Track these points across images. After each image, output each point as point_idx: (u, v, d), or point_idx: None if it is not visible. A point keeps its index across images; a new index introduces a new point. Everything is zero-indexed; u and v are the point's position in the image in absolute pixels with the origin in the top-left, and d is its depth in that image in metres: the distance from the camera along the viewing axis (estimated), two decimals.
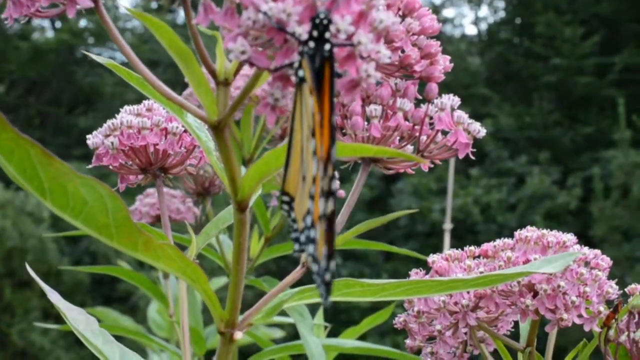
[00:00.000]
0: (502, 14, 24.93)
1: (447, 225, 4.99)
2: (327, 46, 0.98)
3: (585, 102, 20.69)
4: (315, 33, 0.98)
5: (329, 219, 0.98)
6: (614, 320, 1.54)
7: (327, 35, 0.98)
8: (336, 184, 1.01)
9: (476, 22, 25.36)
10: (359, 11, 1.00)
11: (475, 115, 1.35)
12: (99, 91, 22.12)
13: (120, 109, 1.53)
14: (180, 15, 23.30)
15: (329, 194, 0.98)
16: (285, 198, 1.04)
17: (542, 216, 17.04)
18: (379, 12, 1.00)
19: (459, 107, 1.35)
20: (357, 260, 16.80)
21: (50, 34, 23.96)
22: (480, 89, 20.23)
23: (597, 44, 20.28)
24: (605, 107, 19.81)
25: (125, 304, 15.46)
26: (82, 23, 23.21)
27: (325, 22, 0.98)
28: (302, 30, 0.98)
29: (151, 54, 19.18)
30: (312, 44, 0.98)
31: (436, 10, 24.09)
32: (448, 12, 26.57)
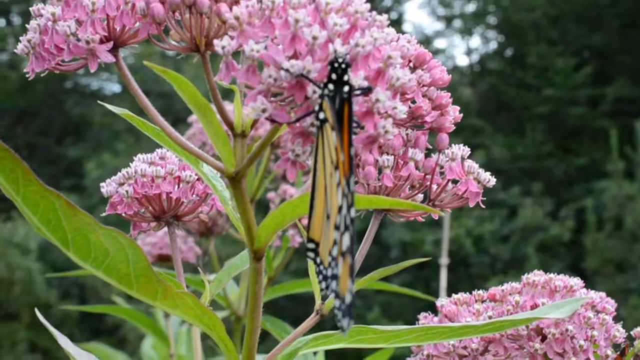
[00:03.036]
0: (493, 45, 25.08)
1: (444, 260, 5.01)
2: (346, 88, 1.02)
3: (578, 133, 20.76)
4: (334, 76, 1.01)
5: (351, 254, 1.01)
6: None
7: (345, 78, 1.01)
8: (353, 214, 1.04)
9: (468, 52, 25.49)
10: (376, 69, 1.03)
11: (468, 146, 1.37)
12: (88, 121, 22.09)
13: (110, 139, 1.54)
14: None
15: (347, 228, 1.01)
16: (311, 245, 1.07)
17: (534, 248, 17.04)
18: (396, 70, 1.03)
19: (452, 137, 1.38)
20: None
21: None
22: (473, 120, 20.29)
23: (590, 75, 20.37)
24: (597, 138, 19.88)
25: (114, 336, 15.40)
26: None
27: (343, 66, 1.01)
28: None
29: (142, 84, 19.09)
30: (331, 86, 1.02)
31: (428, 40, 24.21)
32: (439, 43, 26.71)
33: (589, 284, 1.65)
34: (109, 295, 4.05)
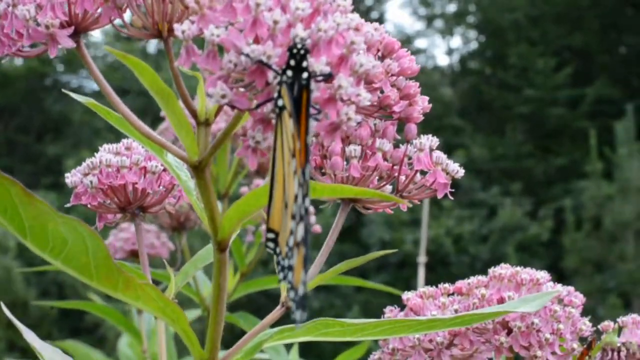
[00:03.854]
0: (474, 45, 25.14)
1: (422, 259, 4.98)
2: (305, 74, 1.00)
3: (558, 133, 20.84)
4: (292, 62, 1.00)
5: (305, 244, 0.99)
6: (587, 358, 1.55)
7: (304, 64, 0.99)
8: (311, 218, 1.02)
9: (449, 52, 25.54)
10: (339, 55, 1.01)
11: (448, 146, 1.36)
12: (67, 118, 22.00)
13: (90, 137, 1.52)
14: (152, 44, 23.33)
15: (302, 218, 0.99)
16: (271, 235, 1.06)
17: (514, 248, 17.09)
18: (360, 56, 1.01)
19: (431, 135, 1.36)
20: (328, 292, 16.75)
21: (19, 61, 23.88)
22: (453, 120, 20.33)
23: (570, 75, 20.45)
24: (577, 138, 19.95)
25: (93, 335, 15.33)
26: None
27: (302, 52, 0.99)
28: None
29: (122, 82, 19.11)
30: (289, 73, 1.00)
31: (408, 40, 24.24)
32: (420, 43, 26.73)
33: (568, 284, 1.63)
34: (87, 293, 4.02)
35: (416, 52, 23.75)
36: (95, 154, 1.47)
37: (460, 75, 23.84)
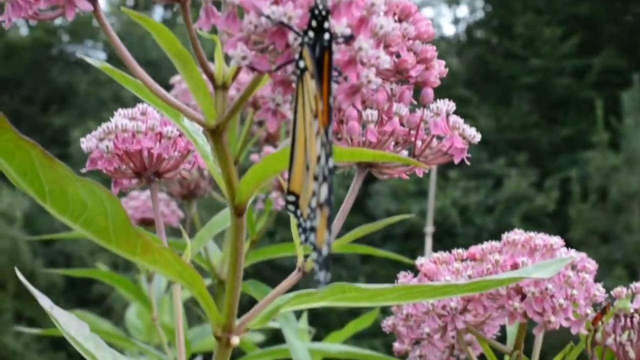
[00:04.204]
0: (480, 14, 25.01)
1: (429, 229, 4.99)
2: (327, 36, 1.00)
3: (564, 103, 20.78)
4: (314, 23, 0.99)
5: (329, 205, 0.99)
6: (600, 323, 1.55)
7: (325, 25, 0.99)
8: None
9: (455, 22, 25.43)
10: (359, 17, 1.01)
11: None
12: (73, 89, 21.98)
13: (96, 107, 1.52)
14: (157, 12, 23.27)
15: (325, 179, 1.00)
16: (291, 198, 1.05)
17: (519, 219, 17.09)
18: (379, 18, 1.01)
19: None
20: (335, 263, 16.77)
21: (24, 31, 23.83)
22: (460, 90, 20.28)
23: (576, 45, 20.36)
24: (583, 109, 19.90)
25: (100, 306, 15.38)
26: (57, 21, 23.06)
27: (323, 12, 0.99)
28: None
29: (129, 52, 18.91)
30: (311, 34, 1.00)
31: (416, 7, 24.05)
32: (426, 12, 26.58)
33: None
34: (94, 263, 4.04)
35: None
36: (111, 118, 1.47)
37: (466, 45, 23.75)
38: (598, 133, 16.78)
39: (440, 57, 1.34)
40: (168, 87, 3.03)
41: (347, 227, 1.37)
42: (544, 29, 20.63)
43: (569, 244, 1.64)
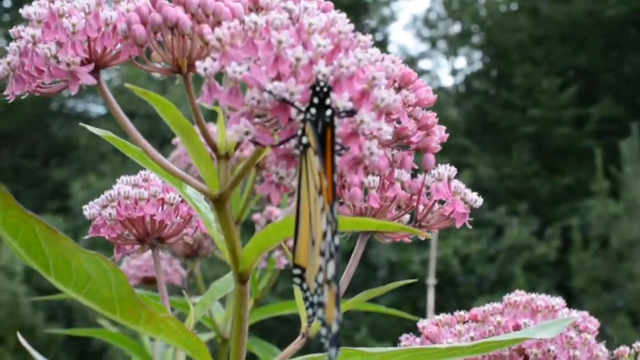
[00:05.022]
0: (478, 65, 25.15)
1: (431, 281, 4.99)
2: (328, 112, 1.01)
3: (564, 152, 20.83)
4: (316, 100, 1.00)
5: (336, 282, 1.00)
6: None
7: (327, 101, 1.00)
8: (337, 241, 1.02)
9: (453, 73, 25.55)
10: (360, 90, 1.02)
11: (455, 166, 1.36)
12: (73, 143, 22.03)
13: (96, 161, 1.53)
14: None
15: (332, 256, 1.00)
16: (297, 271, 1.06)
17: (521, 267, 17.03)
18: (381, 91, 1.02)
19: (439, 157, 1.37)
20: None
21: None
22: (459, 140, 20.33)
23: (575, 95, 20.45)
24: (583, 157, 19.92)
25: (100, 359, 15.31)
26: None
27: (325, 89, 1.00)
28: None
29: (128, 105, 19.10)
30: (313, 110, 1.00)
31: (413, 61, 24.23)
32: (424, 64, 26.72)
33: (576, 303, 1.64)
34: (96, 317, 4.02)
35: (420, 73, 23.64)
36: (114, 186, 1.48)
37: (465, 95, 23.85)
38: (598, 181, 16.79)
39: (439, 107, 1.35)
40: (168, 141, 3.05)
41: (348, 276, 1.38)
42: (542, 80, 20.73)
43: (570, 293, 1.65)
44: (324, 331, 1.00)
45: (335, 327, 0.99)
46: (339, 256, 1.00)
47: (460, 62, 27.56)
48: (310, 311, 1.04)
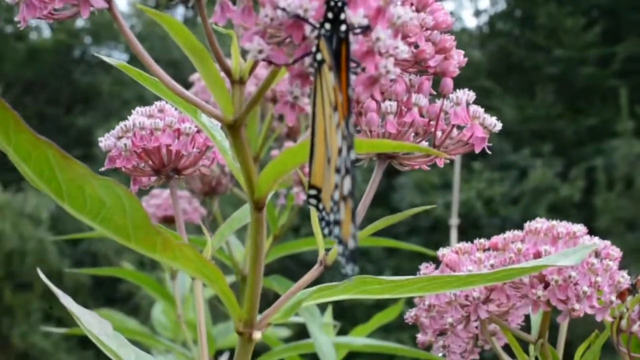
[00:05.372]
0: (502, 6, 24.89)
1: (454, 221, 4.98)
2: (343, 27, 0.99)
3: (588, 93, 20.67)
4: (330, 15, 0.98)
5: (352, 197, 0.99)
6: (626, 310, 1.54)
7: (342, 16, 0.98)
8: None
9: (476, 14, 25.32)
10: (376, 7, 1.00)
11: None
12: (96, 90, 22.06)
13: (120, 107, 1.52)
14: (178, 12, 23.29)
15: (348, 171, 0.99)
16: (313, 192, 1.05)
17: (545, 209, 17.00)
18: (397, 8, 1.00)
19: None
20: (360, 257, 16.66)
21: (47, 34, 23.91)
22: (482, 82, 20.19)
23: (599, 34, 20.25)
24: (607, 98, 19.78)
25: (127, 304, 15.43)
26: (79, 23, 23.17)
27: (339, 4, 0.98)
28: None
29: (150, 52, 18.88)
30: (328, 25, 0.99)
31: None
32: (447, 5, 26.28)
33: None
34: (120, 262, 4.05)
35: None
36: (129, 117, 1.47)
37: (488, 36, 23.64)
38: (622, 122, 16.69)
39: (462, 49, 1.33)
40: (189, 86, 3.04)
41: (371, 220, 1.36)
42: (566, 20, 20.52)
43: (595, 233, 1.63)
44: (340, 249, 0.99)
45: (352, 243, 0.98)
46: (355, 171, 0.99)
47: (484, 2, 27.30)
48: (326, 231, 1.02)
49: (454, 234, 4.94)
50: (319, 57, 0.99)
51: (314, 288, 1.30)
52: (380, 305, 2.88)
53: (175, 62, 16.41)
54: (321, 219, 1.04)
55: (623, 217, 16.02)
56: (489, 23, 24.70)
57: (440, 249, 1.62)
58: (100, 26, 22.20)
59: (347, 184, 0.98)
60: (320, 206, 1.04)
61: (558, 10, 20.87)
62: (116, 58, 1.35)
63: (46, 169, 1.06)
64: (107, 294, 16.73)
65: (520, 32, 22.30)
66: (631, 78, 19.04)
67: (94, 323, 1.41)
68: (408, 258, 15.70)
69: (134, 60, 1.21)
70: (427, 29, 1.28)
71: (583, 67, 20.34)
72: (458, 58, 1.32)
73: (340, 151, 0.98)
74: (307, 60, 1.00)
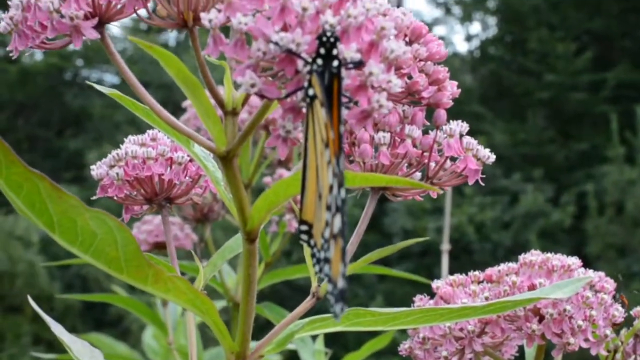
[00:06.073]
0: (493, 31, 24.96)
1: (446, 246, 4.96)
2: (335, 62, 0.99)
3: (579, 118, 20.71)
4: (322, 50, 0.98)
5: (342, 236, 0.98)
6: (620, 344, 1.54)
7: (334, 52, 0.98)
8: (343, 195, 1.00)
9: (468, 39, 25.39)
10: (369, 41, 0.99)
11: (469, 133, 1.34)
12: (88, 113, 22.02)
13: (111, 130, 1.51)
14: (171, 37, 23.32)
15: (338, 209, 0.98)
16: (304, 227, 1.04)
17: (536, 234, 16.99)
18: (390, 42, 1.00)
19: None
20: (351, 282, 16.56)
21: (38, 56, 23.90)
22: (474, 106, 20.22)
23: (590, 60, 20.30)
24: (599, 123, 19.81)
25: (117, 327, 15.37)
26: (71, 46, 23.14)
27: (332, 40, 0.98)
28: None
29: (142, 75, 19.02)
30: (320, 61, 0.98)
31: (427, 28, 24.03)
32: (439, 30, 26.50)
33: (591, 269, 1.62)
34: (110, 286, 4.03)
35: None
36: (121, 145, 1.46)
37: (480, 61, 23.68)
38: (613, 147, 16.70)
39: (453, 73, 1.33)
40: (182, 110, 3.03)
41: (363, 245, 1.36)
42: (558, 45, 20.57)
43: (586, 259, 1.62)
44: (330, 287, 0.98)
45: (341, 283, 0.97)
46: (346, 210, 0.98)
47: (475, 27, 27.36)
48: (317, 268, 1.02)
49: (445, 260, 4.92)
50: (310, 92, 0.98)
51: (307, 320, 1.29)
52: (372, 332, 2.87)
53: (167, 85, 16.42)
54: (312, 256, 1.03)
55: (614, 242, 16.01)
56: (480, 48, 24.77)
57: (435, 281, 1.62)
58: (92, 49, 22.22)
59: (337, 222, 0.97)
60: (312, 242, 1.03)
61: (549, 36, 20.93)
62: (108, 81, 1.36)
63: (37, 201, 1.05)
64: (96, 317, 16.66)
65: (512, 57, 22.35)
66: (622, 104, 19.08)
67: (85, 352, 1.40)
68: (400, 283, 15.67)
69: (126, 84, 1.21)
70: (420, 60, 1.28)
71: (574, 93, 20.37)
72: (451, 89, 1.31)
73: (331, 188, 0.98)
74: (300, 94, 1.00)
